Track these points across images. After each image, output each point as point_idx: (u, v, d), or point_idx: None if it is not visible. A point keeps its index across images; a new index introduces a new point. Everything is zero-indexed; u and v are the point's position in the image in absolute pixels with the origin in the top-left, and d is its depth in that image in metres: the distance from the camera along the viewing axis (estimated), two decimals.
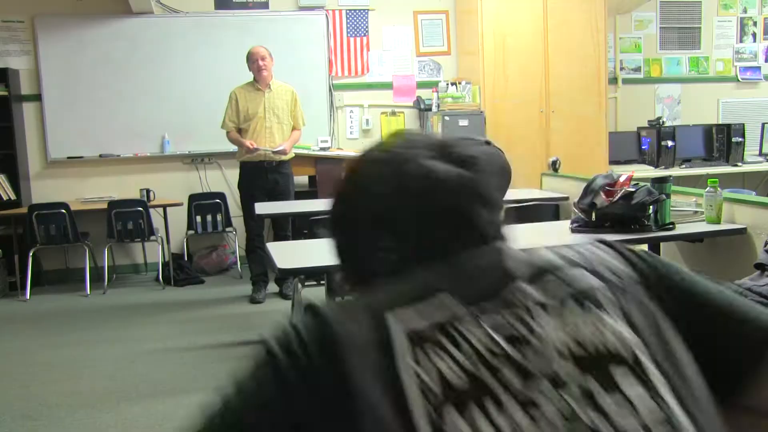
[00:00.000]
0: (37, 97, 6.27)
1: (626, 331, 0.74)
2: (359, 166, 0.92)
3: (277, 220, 5.53)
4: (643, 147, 6.85)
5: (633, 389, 0.70)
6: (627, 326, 0.74)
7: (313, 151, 6.15)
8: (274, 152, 5.28)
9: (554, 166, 5.20)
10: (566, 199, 4.51)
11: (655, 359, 0.73)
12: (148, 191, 6.22)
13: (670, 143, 6.68)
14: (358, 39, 6.77)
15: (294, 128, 5.49)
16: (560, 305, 0.75)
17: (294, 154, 5.58)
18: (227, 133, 5.40)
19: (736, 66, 7.71)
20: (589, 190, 3.13)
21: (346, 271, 0.94)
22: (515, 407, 0.68)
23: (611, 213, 3.05)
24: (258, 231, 5.45)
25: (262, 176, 5.33)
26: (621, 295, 0.77)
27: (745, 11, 7.74)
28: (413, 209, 0.83)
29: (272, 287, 5.56)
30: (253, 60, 5.32)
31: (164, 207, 6.19)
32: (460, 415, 0.67)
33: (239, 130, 5.37)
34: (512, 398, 0.69)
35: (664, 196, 3.04)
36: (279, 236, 5.44)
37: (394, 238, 0.84)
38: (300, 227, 5.18)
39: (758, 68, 7.75)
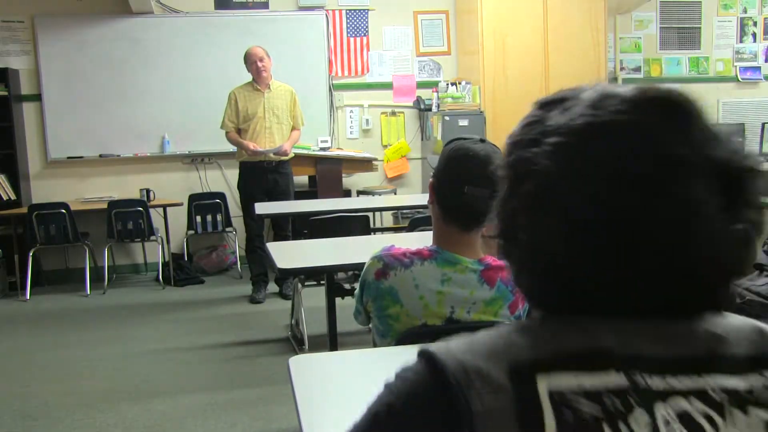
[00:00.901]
0: (37, 97, 6.27)
1: None
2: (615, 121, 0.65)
3: (277, 220, 5.54)
4: None
5: None
6: None
7: (313, 151, 6.16)
8: (274, 153, 5.28)
9: None
10: None
11: None
12: (148, 191, 6.22)
13: None
14: (358, 39, 6.77)
15: (293, 128, 5.49)
16: (759, 422, 0.61)
17: (294, 154, 5.58)
18: (227, 133, 5.41)
19: (736, 66, 7.71)
20: None
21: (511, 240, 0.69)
22: None
23: None
24: (258, 231, 5.45)
25: (261, 176, 5.33)
26: None
27: (745, 11, 7.74)
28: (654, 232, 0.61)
29: (272, 287, 5.56)
30: (251, 61, 5.32)
31: (164, 207, 6.20)
32: None
33: (239, 131, 5.37)
34: None
35: None
36: (279, 236, 5.44)
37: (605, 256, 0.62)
38: (300, 227, 5.18)
39: (758, 68, 7.75)
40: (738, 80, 7.71)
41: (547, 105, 0.71)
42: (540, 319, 0.66)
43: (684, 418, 0.60)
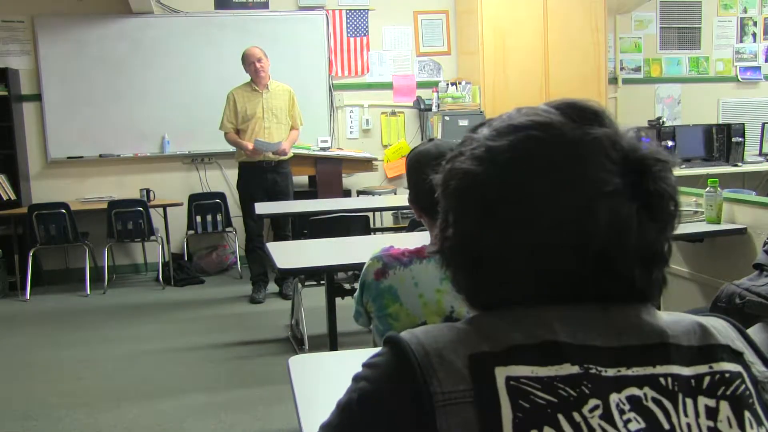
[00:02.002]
0: (37, 97, 6.27)
1: None
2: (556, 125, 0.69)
3: (277, 220, 5.54)
4: None
5: None
6: None
7: (313, 151, 6.15)
8: (273, 153, 5.29)
9: None
10: None
11: None
12: (148, 191, 6.22)
13: (670, 143, 6.67)
14: (358, 39, 6.77)
15: (292, 128, 5.49)
16: (713, 401, 0.64)
17: (293, 154, 5.59)
18: (225, 134, 5.41)
19: (736, 66, 7.71)
20: None
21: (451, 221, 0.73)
22: None
23: None
24: (258, 231, 5.45)
25: (261, 176, 5.33)
26: (765, 396, 0.67)
27: (745, 11, 7.74)
28: (577, 217, 0.65)
29: (272, 287, 5.56)
30: (249, 62, 5.31)
31: (164, 207, 6.19)
32: None
33: (237, 131, 5.38)
34: None
35: None
36: (279, 236, 5.44)
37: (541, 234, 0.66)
38: (300, 227, 5.18)
39: (758, 68, 7.75)
40: (738, 80, 7.71)
41: (475, 128, 0.76)
42: (491, 313, 0.69)
43: (637, 405, 0.62)
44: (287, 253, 3.12)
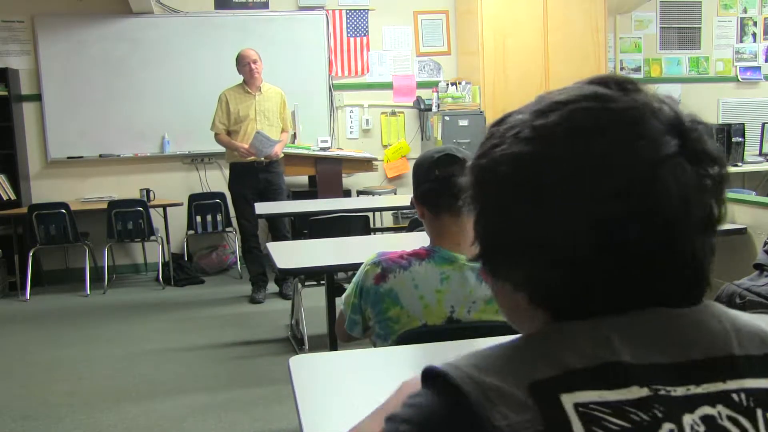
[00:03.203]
0: (37, 97, 6.27)
1: None
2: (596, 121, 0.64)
3: (272, 220, 5.54)
4: None
5: None
6: None
7: (313, 151, 6.15)
8: (264, 156, 5.30)
9: None
10: None
11: None
12: (148, 191, 6.22)
13: None
14: (358, 39, 6.77)
15: (283, 130, 5.52)
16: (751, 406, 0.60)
17: (283, 154, 5.61)
18: (216, 135, 5.43)
19: (736, 66, 7.71)
20: None
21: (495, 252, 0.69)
22: None
23: None
24: (252, 231, 5.45)
25: (252, 176, 5.34)
26: None
27: (745, 11, 7.74)
28: (638, 220, 0.61)
29: (272, 287, 5.56)
30: (244, 63, 5.32)
31: (164, 207, 6.20)
32: None
33: (229, 133, 5.39)
34: None
35: None
36: (276, 237, 5.45)
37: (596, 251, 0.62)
38: (300, 227, 5.18)
39: (758, 68, 7.75)
40: (738, 80, 7.71)
41: (497, 122, 0.71)
42: (542, 330, 0.65)
43: (711, 425, 0.58)
44: (287, 253, 3.12)
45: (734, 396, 0.60)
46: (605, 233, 0.61)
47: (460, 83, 6.41)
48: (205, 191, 6.48)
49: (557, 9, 6.37)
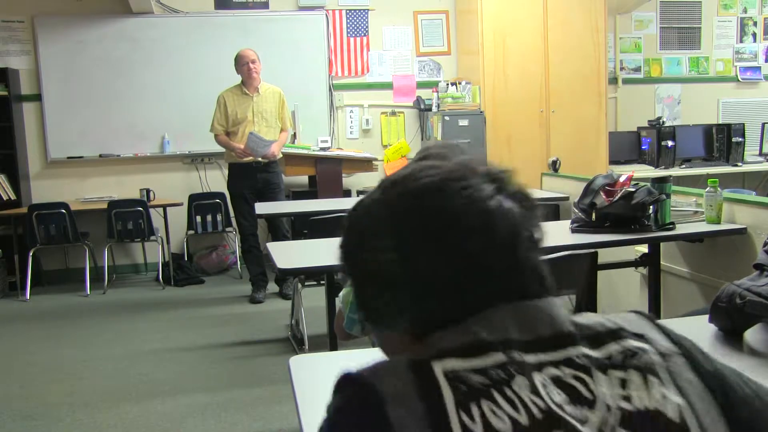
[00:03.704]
0: (37, 97, 6.27)
1: (679, 400, 0.74)
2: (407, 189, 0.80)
3: (272, 220, 5.54)
4: (643, 147, 6.85)
5: None
6: (679, 395, 0.74)
7: (313, 151, 6.15)
8: (262, 157, 5.30)
9: (554, 166, 5.20)
10: (566, 199, 4.51)
11: (702, 426, 0.73)
12: (148, 191, 6.22)
13: (670, 143, 6.68)
14: (358, 39, 6.77)
15: (282, 129, 5.51)
16: (623, 372, 0.74)
17: (281, 154, 5.61)
18: (216, 136, 5.43)
19: (736, 66, 7.71)
20: (589, 190, 3.13)
21: (381, 322, 0.84)
22: None
23: (611, 213, 3.05)
24: (251, 230, 5.46)
25: (251, 176, 5.35)
26: (670, 364, 0.77)
27: (745, 11, 7.74)
28: (467, 250, 0.76)
29: (272, 287, 5.56)
30: (242, 63, 5.32)
31: (164, 207, 6.20)
32: None
33: (228, 134, 5.39)
34: None
35: (664, 196, 3.04)
36: (276, 237, 5.45)
37: (446, 285, 0.77)
38: (300, 227, 5.18)
39: (758, 68, 7.75)
40: (738, 80, 7.71)
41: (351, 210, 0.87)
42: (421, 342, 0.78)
43: (557, 381, 0.72)
44: (287, 253, 3.12)
45: (576, 359, 0.74)
46: (463, 260, 0.76)
47: (460, 83, 6.41)
48: (205, 191, 6.48)
49: (557, 9, 6.37)
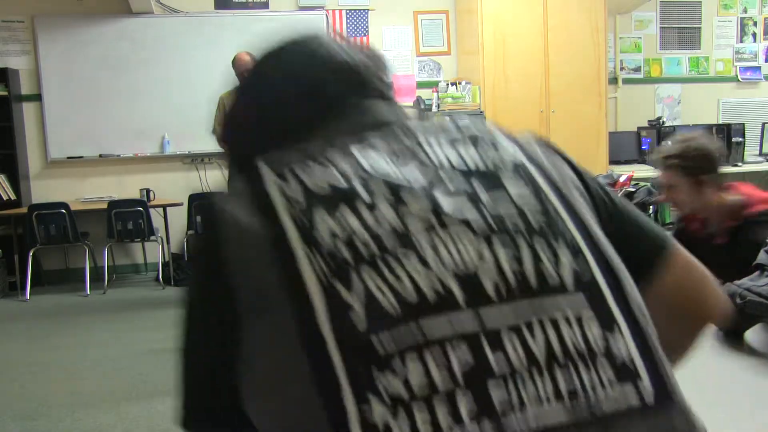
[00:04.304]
0: (37, 97, 6.27)
1: (519, 154, 0.78)
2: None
3: None
4: (643, 147, 6.85)
5: (517, 189, 0.74)
6: (524, 156, 0.79)
7: None
8: None
9: None
10: None
11: (549, 177, 0.77)
12: (148, 191, 6.22)
13: (670, 143, 6.67)
14: (358, 39, 6.76)
15: None
16: (459, 137, 0.79)
17: None
18: (216, 137, 5.43)
19: (736, 66, 7.71)
20: None
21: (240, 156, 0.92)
22: (387, 208, 0.71)
23: None
24: None
25: None
26: (528, 148, 0.81)
27: (745, 11, 7.74)
28: (315, 67, 0.88)
29: None
30: (240, 69, 5.31)
31: (164, 207, 6.20)
32: (327, 213, 0.70)
33: None
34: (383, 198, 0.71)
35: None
36: None
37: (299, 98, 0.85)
38: None
39: (758, 68, 7.75)
40: (738, 80, 7.71)
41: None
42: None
43: (376, 147, 0.78)
44: None
45: (398, 130, 0.80)
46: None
47: (460, 83, 6.41)
48: (205, 191, 6.48)
49: (557, 9, 6.37)
